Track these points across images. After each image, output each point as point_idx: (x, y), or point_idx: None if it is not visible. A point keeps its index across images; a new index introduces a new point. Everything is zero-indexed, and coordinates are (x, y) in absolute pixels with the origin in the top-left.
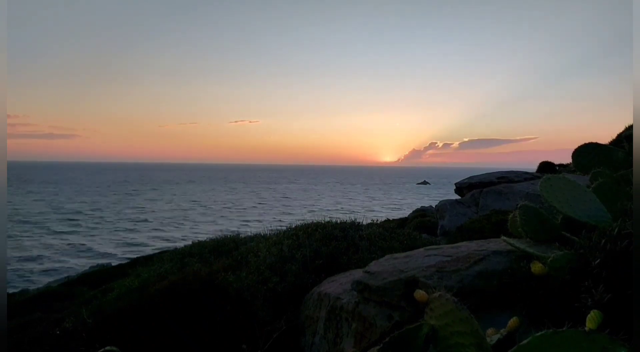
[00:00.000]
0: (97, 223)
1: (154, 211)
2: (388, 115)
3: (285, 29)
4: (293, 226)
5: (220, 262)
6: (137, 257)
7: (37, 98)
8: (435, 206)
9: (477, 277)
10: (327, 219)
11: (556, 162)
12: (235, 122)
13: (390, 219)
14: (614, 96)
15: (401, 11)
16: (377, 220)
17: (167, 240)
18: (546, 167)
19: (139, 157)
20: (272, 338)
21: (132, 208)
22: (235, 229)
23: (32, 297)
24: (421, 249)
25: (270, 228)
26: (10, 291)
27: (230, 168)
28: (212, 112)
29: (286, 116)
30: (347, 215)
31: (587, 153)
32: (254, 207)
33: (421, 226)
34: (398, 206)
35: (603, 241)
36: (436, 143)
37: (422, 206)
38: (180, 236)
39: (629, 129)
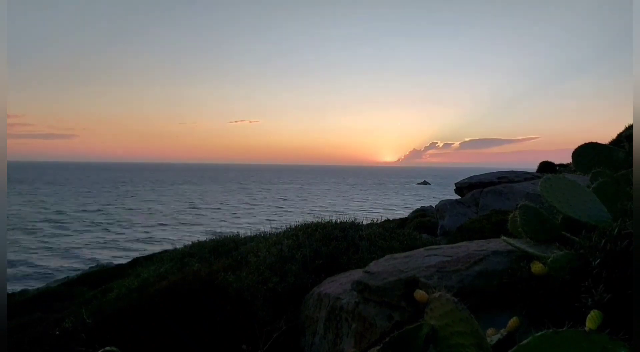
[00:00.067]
0: (86, 226)
1: (150, 213)
2: (389, 115)
3: (286, 28)
4: (293, 226)
5: (220, 262)
6: (137, 257)
7: (35, 98)
8: (435, 206)
9: (477, 277)
10: (327, 219)
11: (557, 162)
12: (235, 122)
13: (390, 219)
14: (618, 96)
15: (402, 10)
16: (377, 220)
17: (151, 243)
18: (546, 167)
19: (138, 157)
20: (272, 338)
21: (121, 209)
22: (224, 230)
23: (32, 297)
24: (421, 249)
25: (259, 230)
26: (10, 291)
27: (230, 168)
28: (212, 112)
29: (286, 116)
30: (346, 216)
31: (587, 153)
32: (246, 207)
33: (421, 226)
34: (398, 206)
35: (603, 241)
36: (437, 143)
37: (422, 206)
38: (165, 238)
39: (629, 129)
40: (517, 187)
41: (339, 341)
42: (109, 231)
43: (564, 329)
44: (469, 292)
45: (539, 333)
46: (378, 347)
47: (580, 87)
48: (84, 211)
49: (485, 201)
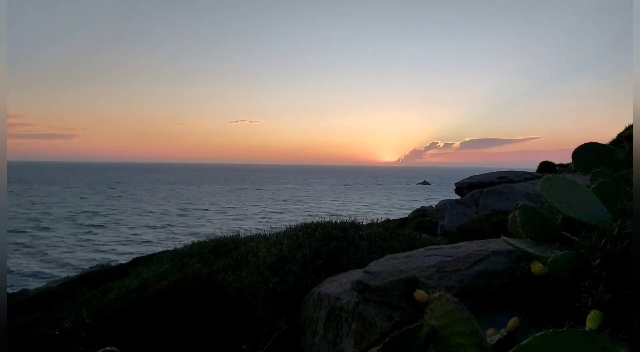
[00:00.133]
0: (69, 227)
1: (139, 214)
2: (389, 115)
3: (286, 28)
4: (293, 226)
5: (220, 262)
6: (136, 257)
7: (35, 98)
8: (435, 206)
9: (477, 277)
10: (327, 220)
11: (558, 162)
12: (236, 122)
13: (390, 219)
14: (619, 95)
15: (402, 10)
16: (377, 220)
17: (132, 245)
18: (546, 167)
19: (138, 157)
20: (272, 338)
21: (108, 210)
22: (212, 231)
23: (32, 297)
24: (421, 249)
25: (248, 233)
26: (10, 291)
27: (230, 168)
28: (212, 112)
29: (287, 116)
30: (344, 216)
31: (587, 153)
32: (238, 209)
33: (421, 226)
34: (398, 205)
35: (603, 241)
36: (437, 143)
37: (422, 206)
38: (147, 241)
39: (629, 129)
40: (517, 187)
41: (339, 341)
42: (91, 232)
43: (564, 329)
44: (469, 292)
45: (539, 333)
46: (378, 347)
47: (581, 87)
48: (70, 212)
49: (485, 201)
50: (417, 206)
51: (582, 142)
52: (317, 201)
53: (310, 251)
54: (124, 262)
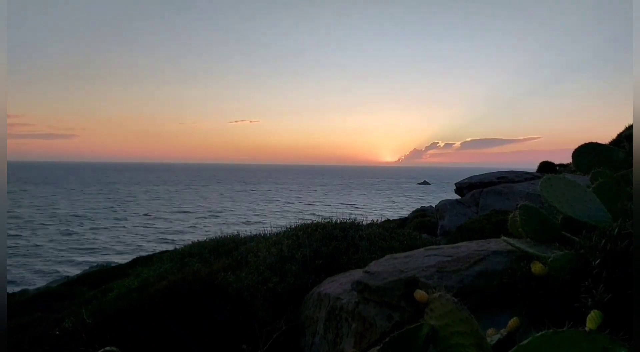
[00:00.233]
0: (40, 229)
1: (116, 217)
2: (389, 114)
3: (286, 28)
4: (293, 226)
5: (220, 262)
6: (136, 257)
7: (35, 98)
8: (435, 206)
9: (477, 277)
10: (327, 219)
11: (559, 162)
12: (236, 122)
13: (390, 219)
14: (620, 95)
15: (403, 10)
16: (377, 220)
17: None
18: (546, 167)
19: (138, 157)
20: (272, 338)
21: (87, 212)
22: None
23: (32, 297)
24: (421, 249)
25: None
26: (10, 290)
27: (230, 168)
28: (212, 112)
29: (287, 116)
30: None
31: (587, 153)
32: (228, 211)
33: (421, 226)
34: (398, 206)
35: (603, 241)
36: (438, 143)
37: (422, 206)
38: (105, 247)
39: (629, 129)
40: (517, 187)
41: (339, 341)
42: (60, 235)
43: (564, 329)
44: (469, 292)
45: (539, 333)
46: (378, 347)
47: (582, 87)
48: (40, 213)
49: (485, 201)
50: (417, 206)
51: (583, 142)
52: (317, 202)
53: (310, 251)
54: (123, 262)
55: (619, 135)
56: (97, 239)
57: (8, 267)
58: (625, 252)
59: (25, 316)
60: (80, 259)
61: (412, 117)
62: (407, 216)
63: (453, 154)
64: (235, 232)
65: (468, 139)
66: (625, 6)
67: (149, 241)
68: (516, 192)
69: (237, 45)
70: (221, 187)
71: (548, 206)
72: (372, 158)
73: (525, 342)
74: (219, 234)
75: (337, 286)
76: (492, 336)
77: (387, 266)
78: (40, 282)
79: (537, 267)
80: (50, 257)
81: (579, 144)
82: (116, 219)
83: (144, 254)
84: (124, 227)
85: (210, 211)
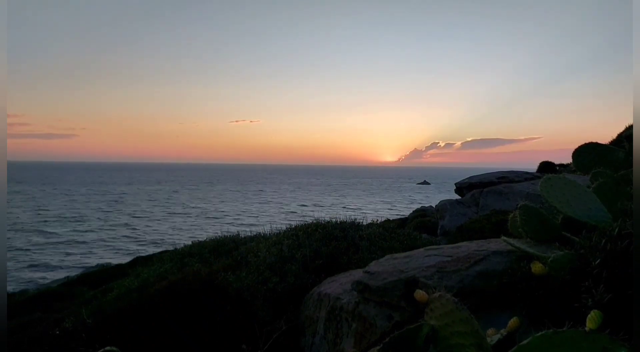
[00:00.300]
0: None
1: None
2: (390, 115)
3: (286, 28)
4: (293, 226)
5: (220, 262)
6: (136, 257)
7: (35, 98)
8: (436, 206)
9: (477, 277)
10: (327, 219)
11: (561, 162)
12: (236, 121)
13: (390, 219)
14: (622, 95)
15: (403, 10)
16: (377, 220)
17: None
18: (546, 167)
19: (138, 157)
20: (272, 338)
21: (68, 213)
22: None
23: (32, 297)
24: (421, 249)
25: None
26: (10, 290)
27: (230, 168)
28: (212, 112)
29: (287, 116)
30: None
31: (587, 153)
32: (217, 213)
33: (421, 226)
34: (397, 206)
35: (603, 241)
36: (438, 143)
37: (422, 206)
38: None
39: (629, 129)
40: (517, 187)
41: (339, 341)
42: (42, 236)
43: (564, 329)
44: (469, 292)
45: (539, 333)
46: (378, 347)
47: (584, 86)
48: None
49: (486, 201)
50: (417, 206)
51: (583, 142)
52: (307, 205)
53: (310, 251)
54: (122, 262)
55: (619, 135)
56: (83, 241)
57: None
58: (626, 252)
59: (25, 316)
60: (55, 263)
61: (413, 117)
62: (407, 216)
63: (454, 154)
64: (235, 232)
65: (469, 139)
66: (625, 6)
67: (128, 244)
68: (516, 192)
69: (237, 45)
70: (220, 187)
71: (548, 206)
72: (373, 158)
73: (525, 342)
74: (219, 234)
75: (337, 286)
76: (492, 336)
77: (387, 266)
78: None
79: (537, 267)
80: (26, 260)
81: (580, 144)
82: (104, 220)
83: (127, 258)
84: (112, 229)
85: (205, 213)
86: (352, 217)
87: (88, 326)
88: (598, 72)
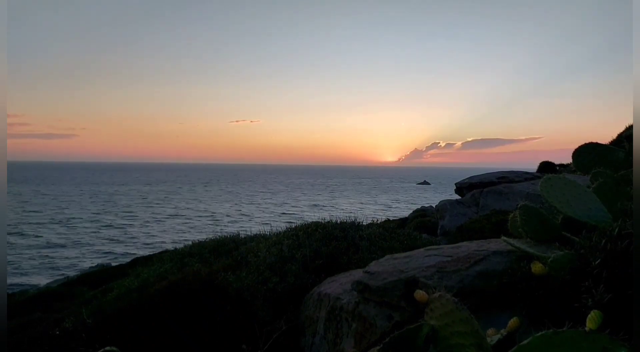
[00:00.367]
0: None
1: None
2: (390, 115)
3: (286, 28)
4: (293, 226)
5: (220, 262)
6: (136, 257)
7: (35, 98)
8: (436, 206)
9: (477, 277)
10: (327, 219)
11: (562, 162)
12: (237, 121)
13: (390, 219)
14: (624, 95)
15: (403, 10)
16: (377, 220)
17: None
18: (546, 167)
19: (138, 157)
20: (272, 338)
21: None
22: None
23: (32, 297)
24: (421, 249)
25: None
26: (10, 291)
27: (231, 168)
28: (212, 111)
29: (287, 116)
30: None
31: (587, 153)
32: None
33: (421, 226)
34: (397, 205)
35: (603, 241)
36: (439, 143)
37: (422, 206)
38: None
39: (629, 129)
40: (517, 187)
41: (339, 341)
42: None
43: (564, 329)
44: (469, 292)
45: (539, 333)
46: (378, 347)
47: (586, 86)
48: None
49: (486, 201)
50: (417, 206)
51: (584, 142)
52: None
53: (310, 251)
54: (122, 262)
55: (619, 135)
56: (62, 244)
57: None
58: (626, 252)
59: (25, 316)
60: (28, 267)
61: (413, 117)
62: (407, 216)
63: (454, 154)
64: (236, 232)
65: (469, 139)
66: (625, 6)
67: (106, 245)
68: (516, 192)
69: (237, 45)
70: (216, 188)
71: (548, 206)
72: (373, 158)
73: (525, 342)
74: (219, 234)
75: (337, 286)
76: (492, 336)
77: (387, 266)
78: None
79: (537, 267)
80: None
81: (580, 144)
82: (91, 221)
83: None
84: (98, 231)
85: (199, 215)
86: (352, 217)
87: (88, 326)
88: (598, 72)
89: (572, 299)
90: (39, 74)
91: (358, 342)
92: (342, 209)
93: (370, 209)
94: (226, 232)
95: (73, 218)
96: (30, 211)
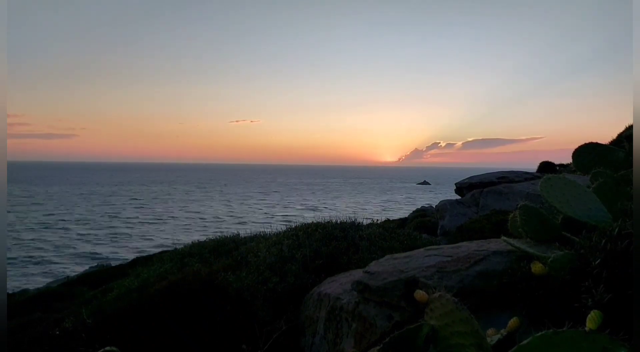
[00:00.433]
0: None
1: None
2: (390, 114)
3: (286, 28)
4: (293, 226)
5: (220, 262)
6: (136, 257)
7: (35, 98)
8: (435, 206)
9: (477, 277)
10: (327, 219)
11: (562, 162)
12: (237, 121)
13: (390, 219)
14: (625, 95)
15: (403, 9)
16: (377, 220)
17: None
18: (546, 167)
19: (138, 157)
20: (272, 338)
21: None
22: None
23: (32, 297)
24: (421, 249)
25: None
26: (10, 291)
27: (230, 168)
28: (212, 111)
29: (288, 115)
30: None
31: (587, 153)
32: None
33: (421, 226)
34: (397, 205)
35: (603, 241)
36: (439, 143)
37: (422, 206)
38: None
39: (629, 129)
40: (517, 187)
41: (339, 341)
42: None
43: (564, 329)
44: (469, 292)
45: (539, 333)
46: (378, 347)
47: (586, 86)
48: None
49: (486, 201)
50: (417, 206)
51: (584, 142)
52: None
53: (310, 251)
54: (123, 262)
55: (619, 135)
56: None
57: None
58: (626, 252)
59: (25, 316)
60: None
61: (413, 117)
62: (407, 216)
63: (455, 154)
64: (236, 232)
65: (470, 139)
66: (625, 6)
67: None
68: (516, 192)
69: (237, 45)
70: (213, 188)
71: (548, 206)
72: (373, 158)
73: (525, 342)
74: (219, 234)
75: (337, 286)
76: (492, 336)
77: (387, 266)
78: None
79: (537, 267)
80: None
81: (580, 144)
82: (76, 222)
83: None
84: (83, 234)
85: (192, 217)
86: (352, 217)
87: (88, 326)
88: (599, 72)
89: (572, 299)
90: (39, 74)
91: (358, 342)
92: (342, 209)
93: (369, 209)
94: (219, 233)
95: (62, 220)
96: (13, 211)
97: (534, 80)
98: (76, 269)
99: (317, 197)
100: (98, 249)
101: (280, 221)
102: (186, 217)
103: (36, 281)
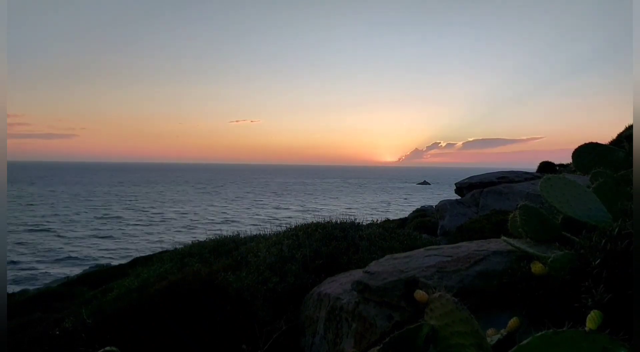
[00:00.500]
0: None
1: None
2: (390, 114)
3: (286, 28)
4: (293, 226)
5: (220, 262)
6: (136, 257)
7: (35, 98)
8: (435, 206)
9: (477, 277)
10: (327, 219)
11: (563, 162)
12: (237, 121)
13: (390, 219)
14: (623, 94)
15: (403, 8)
16: (377, 220)
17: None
18: (546, 167)
19: (138, 157)
20: (272, 338)
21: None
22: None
23: (32, 297)
24: (421, 249)
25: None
26: (10, 291)
27: (230, 168)
28: (212, 111)
29: (288, 115)
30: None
31: (587, 153)
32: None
33: (421, 226)
34: (397, 205)
35: (603, 241)
36: (439, 143)
37: (422, 206)
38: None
39: (629, 129)
40: (517, 187)
41: (339, 341)
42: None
43: (564, 329)
44: (469, 292)
45: (539, 333)
46: (378, 347)
47: (586, 85)
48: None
49: (486, 201)
50: (417, 206)
51: (584, 142)
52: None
53: (310, 251)
54: (123, 262)
55: (619, 136)
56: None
57: None
58: (626, 252)
59: (25, 316)
60: None
61: (413, 117)
62: (407, 216)
63: (455, 154)
64: (236, 232)
65: (470, 139)
66: (625, 6)
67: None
68: (516, 192)
69: (237, 45)
70: (211, 188)
71: (548, 206)
72: (373, 158)
73: (525, 342)
74: (219, 234)
75: (337, 286)
76: (492, 336)
77: (387, 266)
78: None
79: (537, 267)
80: None
81: (579, 144)
82: (63, 222)
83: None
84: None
85: (181, 218)
86: (352, 217)
87: (88, 326)
88: (599, 72)
89: (572, 299)
90: (39, 74)
91: (358, 342)
92: (342, 210)
93: (369, 209)
94: (216, 233)
95: (59, 221)
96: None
97: (534, 80)
98: (74, 270)
99: (316, 197)
100: (95, 251)
101: (280, 221)
102: (184, 218)
103: (36, 282)
